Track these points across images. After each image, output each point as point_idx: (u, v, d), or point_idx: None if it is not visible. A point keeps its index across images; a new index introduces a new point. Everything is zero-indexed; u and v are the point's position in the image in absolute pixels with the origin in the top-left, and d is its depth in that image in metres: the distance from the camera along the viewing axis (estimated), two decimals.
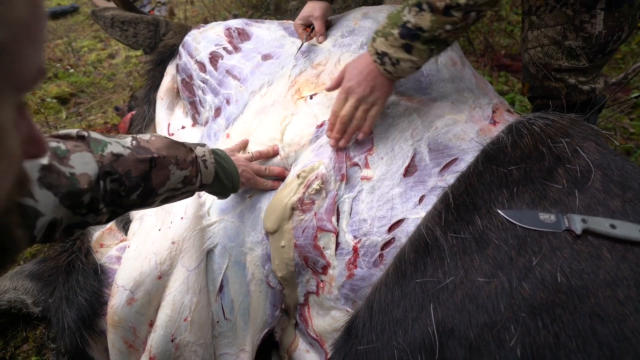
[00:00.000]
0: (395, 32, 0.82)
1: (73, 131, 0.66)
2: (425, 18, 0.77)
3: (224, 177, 0.86)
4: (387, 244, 0.86)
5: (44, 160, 0.58)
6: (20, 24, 0.24)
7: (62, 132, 0.66)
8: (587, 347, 0.58)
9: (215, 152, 0.86)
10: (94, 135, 0.67)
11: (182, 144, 0.79)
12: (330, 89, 0.95)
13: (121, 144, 0.69)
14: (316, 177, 0.90)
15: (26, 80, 0.27)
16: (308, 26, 1.15)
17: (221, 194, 0.90)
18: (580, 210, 0.73)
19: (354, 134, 0.92)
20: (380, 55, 0.85)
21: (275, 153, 1.00)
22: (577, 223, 0.70)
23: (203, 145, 0.85)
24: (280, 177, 0.98)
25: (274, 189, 0.97)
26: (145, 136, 0.75)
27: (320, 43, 1.11)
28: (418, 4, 0.78)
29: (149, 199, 0.74)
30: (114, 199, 0.68)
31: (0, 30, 0.23)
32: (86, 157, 0.63)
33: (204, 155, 0.82)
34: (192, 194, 0.83)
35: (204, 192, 1.06)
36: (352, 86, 0.89)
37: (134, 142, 0.72)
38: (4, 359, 1.17)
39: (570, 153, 0.81)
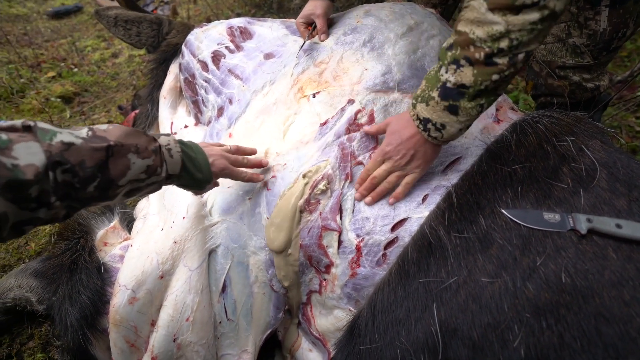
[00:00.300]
0: (435, 94, 0.76)
1: (18, 122, 0.61)
2: (466, 74, 0.71)
3: (191, 166, 0.81)
4: (390, 244, 0.85)
5: None
6: None
7: (5, 123, 0.61)
8: (592, 347, 0.58)
9: (181, 142, 0.83)
10: (42, 125, 0.63)
11: (144, 133, 0.75)
12: (369, 133, 0.93)
13: (74, 135, 0.65)
14: (322, 177, 0.90)
15: None
16: (310, 24, 1.14)
17: (193, 186, 0.86)
18: (586, 210, 0.72)
19: (384, 195, 0.89)
20: (423, 122, 0.80)
21: (253, 153, 0.98)
22: (582, 223, 0.69)
23: (168, 135, 0.81)
24: (258, 167, 0.96)
25: (252, 180, 0.94)
26: (103, 126, 0.71)
27: (322, 41, 1.11)
28: (455, 61, 0.72)
29: (109, 191, 0.69)
30: (68, 191, 0.63)
31: None
32: (32, 146, 0.58)
33: (168, 144, 0.78)
34: (159, 187, 0.79)
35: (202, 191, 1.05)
36: (390, 152, 0.85)
37: (89, 132, 0.67)
38: (11, 355, 1.18)
39: (576, 152, 0.80)
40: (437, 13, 1.20)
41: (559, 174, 0.79)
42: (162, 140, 0.77)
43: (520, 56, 0.68)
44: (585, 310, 0.61)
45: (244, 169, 0.93)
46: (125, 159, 0.69)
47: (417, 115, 0.81)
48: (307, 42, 1.10)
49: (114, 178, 0.68)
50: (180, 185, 0.84)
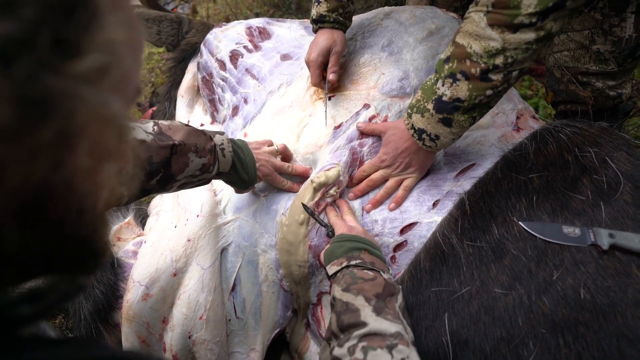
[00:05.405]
0: (430, 107, 0.77)
1: None
2: (461, 88, 0.72)
3: (240, 167, 0.86)
4: (399, 246, 0.85)
5: None
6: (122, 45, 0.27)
7: None
8: None
9: (233, 142, 0.87)
10: None
11: (202, 132, 0.80)
12: (360, 128, 0.93)
13: (143, 129, 0.70)
14: (334, 183, 0.89)
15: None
16: (326, 65, 0.96)
17: (237, 185, 0.90)
18: (607, 224, 0.70)
19: (383, 202, 0.90)
20: (418, 132, 0.81)
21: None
22: (603, 238, 0.67)
23: (222, 133, 0.85)
24: (304, 177, 0.96)
25: (292, 191, 0.95)
26: (166, 122, 0.76)
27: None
28: (451, 74, 0.73)
29: (167, 185, 0.75)
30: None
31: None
32: None
33: (222, 144, 0.83)
34: (208, 182, 0.85)
35: (220, 191, 1.06)
36: (387, 161, 0.88)
37: (155, 127, 0.73)
38: None
39: (598, 163, 0.78)
40: (459, 17, 1.18)
41: (579, 185, 0.77)
42: (217, 140, 0.82)
43: (514, 73, 0.70)
44: (606, 329, 0.59)
45: (285, 179, 0.95)
46: (185, 157, 0.75)
47: (413, 125, 0.82)
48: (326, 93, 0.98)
49: (174, 173, 0.74)
50: (226, 181, 0.89)
